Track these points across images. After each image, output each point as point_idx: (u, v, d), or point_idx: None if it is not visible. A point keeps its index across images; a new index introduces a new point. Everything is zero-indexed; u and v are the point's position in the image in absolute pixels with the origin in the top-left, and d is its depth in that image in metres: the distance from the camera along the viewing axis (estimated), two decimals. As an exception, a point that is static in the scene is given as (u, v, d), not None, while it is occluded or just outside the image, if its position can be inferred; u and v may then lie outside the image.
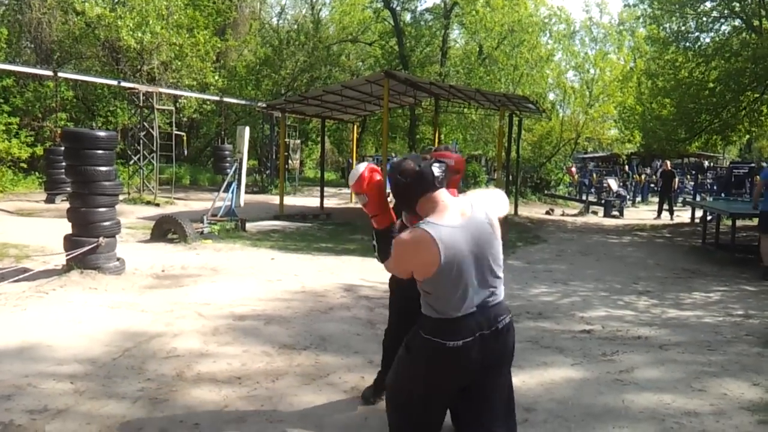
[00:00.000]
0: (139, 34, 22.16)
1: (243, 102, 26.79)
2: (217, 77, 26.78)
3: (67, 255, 7.99)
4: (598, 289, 8.77)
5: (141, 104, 20.04)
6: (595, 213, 21.73)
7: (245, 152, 14.92)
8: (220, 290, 7.69)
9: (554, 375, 5.04)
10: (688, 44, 19.21)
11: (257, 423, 4.07)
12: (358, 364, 5.23)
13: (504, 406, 3.06)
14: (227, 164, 20.06)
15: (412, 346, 2.94)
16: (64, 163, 9.21)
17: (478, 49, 30.66)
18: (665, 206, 20.53)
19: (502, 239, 2.97)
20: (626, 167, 35.84)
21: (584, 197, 25.59)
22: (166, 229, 11.58)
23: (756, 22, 17.69)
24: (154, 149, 19.86)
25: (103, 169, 8.10)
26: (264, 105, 22.15)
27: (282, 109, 18.93)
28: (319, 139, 33.19)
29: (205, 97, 24.97)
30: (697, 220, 17.20)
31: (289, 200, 20.25)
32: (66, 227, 8.31)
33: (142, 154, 20.02)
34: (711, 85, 18.15)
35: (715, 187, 26.45)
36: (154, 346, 5.47)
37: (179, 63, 24.63)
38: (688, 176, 32.33)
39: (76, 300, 6.91)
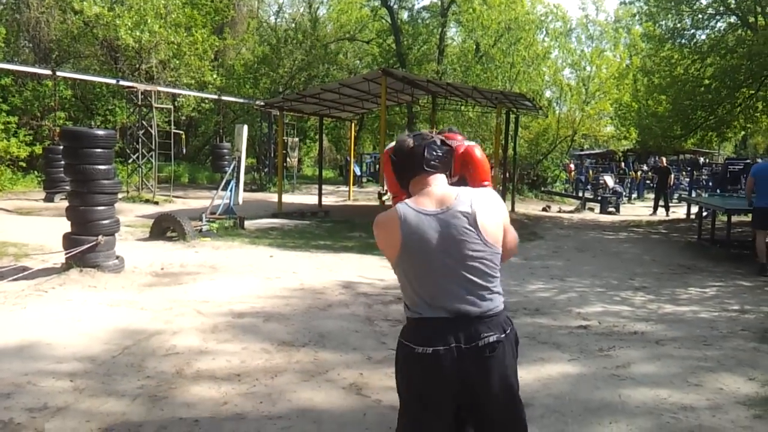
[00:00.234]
0: (138, 33, 22.17)
1: (241, 100, 26.82)
2: (215, 76, 26.81)
3: (66, 253, 8.00)
4: (594, 285, 8.80)
5: (139, 103, 20.05)
6: (591, 209, 21.80)
7: (243, 150, 14.92)
8: (219, 288, 7.72)
9: (551, 370, 5.08)
10: (683, 41, 19.26)
11: (256, 420, 4.09)
12: (357, 360, 5.26)
13: None
14: (226, 162, 20.05)
15: (396, 350, 2.69)
16: (62, 162, 9.23)
17: (475, 46, 30.66)
18: (661, 202, 20.61)
19: (506, 246, 2.67)
20: (622, 164, 35.92)
21: (581, 194, 25.67)
22: (165, 228, 11.60)
23: (751, 19, 17.75)
24: (153, 148, 19.89)
25: (102, 167, 8.12)
26: (262, 103, 22.18)
27: (280, 108, 18.95)
28: (317, 137, 33.30)
29: (204, 95, 24.97)
30: (692, 216, 17.23)
31: (288, 198, 20.28)
32: (65, 226, 8.32)
33: (141, 153, 20.03)
34: (706, 81, 18.22)
35: (710, 184, 26.49)
36: (153, 344, 5.49)
37: (177, 62, 24.64)
38: (684, 173, 32.37)
39: (76, 298, 6.93)
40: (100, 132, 8.45)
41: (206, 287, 7.75)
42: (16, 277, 7.62)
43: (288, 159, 25.89)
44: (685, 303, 7.76)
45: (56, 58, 25.62)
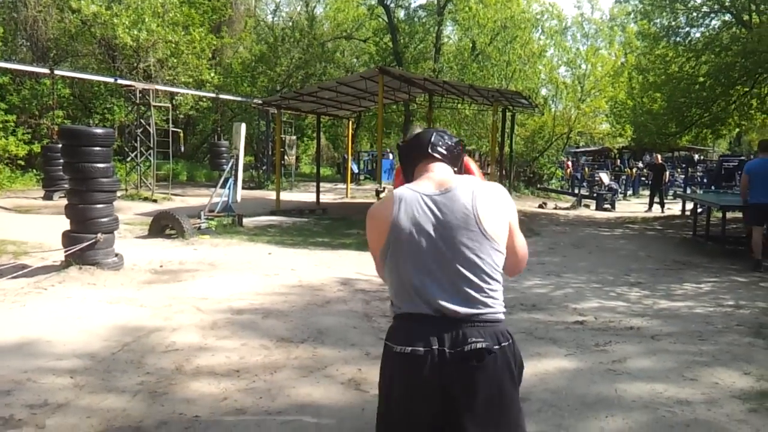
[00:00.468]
0: (135, 32, 22.13)
1: (239, 99, 26.86)
2: (212, 74, 26.80)
3: (65, 251, 8.03)
4: (590, 281, 8.84)
5: (137, 101, 20.04)
6: (587, 206, 21.87)
7: (242, 148, 14.94)
8: (217, 285, 7.75)
9: (548, 365, 5.12)
10: (678, 39, 19.30)
11: (256, 415, 4.12)
12: (355, 356, 5.29)
13: None
14: (224, 160, 20.07)
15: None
16: (61, 160, 9.24)
17: (471, 45, 30.72)
18: (656, 199, 20.67)
19: (512, 252, 2.40)
20: (618, 161, 36.00)
21: (576, 191, 25.72)
22: (163, 225, 11.63)
23: (746, 17, 17.80)
24: (151, 146, 19.93)
25: (101, 165, 8.15)
26: (260, 101, 22.21)
27: (278, 106, 18.96)
28: (314, 135, 33.32)
29: (201, 94, 24.96)
30: (687, 213, 17.29)
31: (286, 196, 20.29)
32: (64, 224, 8.36)
33: (139, 151, 20.05)
34: (701, 79, 18.27)
35: (705, 180, 26.57)
36: (153, 341, 5.52)
37: (175, 60, 24.63)
38: (679, 169, 32.45)
39: (75, 296, 6.96)
40: (99, 130, 8.48)
41: (205, 284, 7.78)
42: (15, 275, 7.66)
43: (286, 157, 25.90)
44: (680, 298, 7.80)
45: (54, 56, 25.60)
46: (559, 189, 28.48)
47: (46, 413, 4.02)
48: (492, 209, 2.28)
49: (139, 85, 19.78)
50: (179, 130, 23.30)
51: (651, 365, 5.21)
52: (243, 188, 16.44)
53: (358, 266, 9.22)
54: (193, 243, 10.86)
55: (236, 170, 14.35)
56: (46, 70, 18.67)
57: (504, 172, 22.07)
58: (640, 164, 32.27)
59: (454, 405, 2.18)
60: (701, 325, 6.42)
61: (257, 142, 28.27)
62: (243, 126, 15.07)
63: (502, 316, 2.29)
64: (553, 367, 5.09)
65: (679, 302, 7.58)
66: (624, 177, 30.22)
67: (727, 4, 18.07)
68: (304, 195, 22.72)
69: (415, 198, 2.30)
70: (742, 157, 17.38)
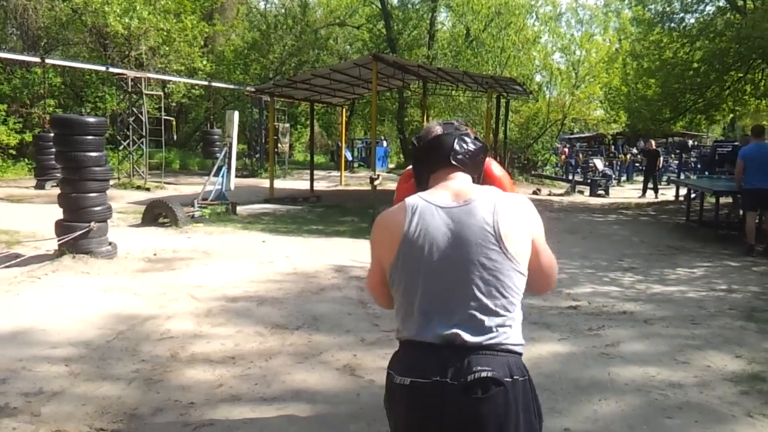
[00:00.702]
0: (127, 20, 21.94)
1: (231, 86, 26.73)
2: (205, 62, 26.64)
3: (58, 240, 8.01)
4: (584, 266, 8.88)
5: (129, 90, 19.93)
6: (581, 192, 21.94)
7: (234, 136, 14.90)
8: (212, 273, 7.76)
9: (541, 350, 5.15)
10: (673, 25, 19.28)
11: (251, 401, 4.13)
12: (350, 342, 5.32)
13: None
14: (217, 149, 20.00)
15: None
16: (53, 150, 9.21)
17: (465, 31, 30.62)
18: (650, 185, 20.74)
19: (538, 271, 2.18)
20: (612, 147, 36.03)
21: (570, 177, 25.77)
22: (157, 214, 11.61)
23: (740, 2, 17.80)
24: (144, 134, 19.81)
25: (93, 154, 8.13)
26: (252, 89, 22.13)
27: (271, 93, 18.89)
28: (308, 122, 33.24)
29: (194, 82, 24.83)
30: (681, 198, 17.35)
31: (279, 183, 20.24)
32: (57, 213, 8.33)
33: (132, 140, 19.95)
34: (695, 65, 18.28)
35: (698, 166, 26.63)
36: (147, 328, 5.53)
37: (167, 48, 24.45)
38: (673, 155, 32.51)
39: (69, 284, 6.96)
40: (91, 119, 8.44)
41: (199, 272, 7.78)
42: (8, 264, 7.64)
43: (279, 145, 25.82)
44: (673, 283, 7.86)
45: (45, 45, 25.40)
46: (553, 175, 28.52)
47: (42, 401, 4.02)
48: (515, 225, 2.04)
49: (131, 74, 19.65)
50: (171, 118, 23.20)
51: (644, 349, 5.26)
52: (236, 176, 16.43)
53: (353, 253, 9.24)
54: (186, 231, 10.84)
55: (229, 158, 14.32)
56: (37, 59, 18.54)
57: (498, 158, 22.05)
58: (634, 150, 32.28)
59: None
60: (694, 309, 6.47)
61: (250, 130, 28.18)
62: (236, 114, 15.02)
63: (519, 349, 2.02)
64: (547, 352, 5.12)
65: (672, 287, 7.63)
66: (618, 163, 30.26)
67: (721, -11, 18.10)
68: (297, 183, 22.68)
69: (430, 210, 2.05)
70: (736, 143, 17.39)
